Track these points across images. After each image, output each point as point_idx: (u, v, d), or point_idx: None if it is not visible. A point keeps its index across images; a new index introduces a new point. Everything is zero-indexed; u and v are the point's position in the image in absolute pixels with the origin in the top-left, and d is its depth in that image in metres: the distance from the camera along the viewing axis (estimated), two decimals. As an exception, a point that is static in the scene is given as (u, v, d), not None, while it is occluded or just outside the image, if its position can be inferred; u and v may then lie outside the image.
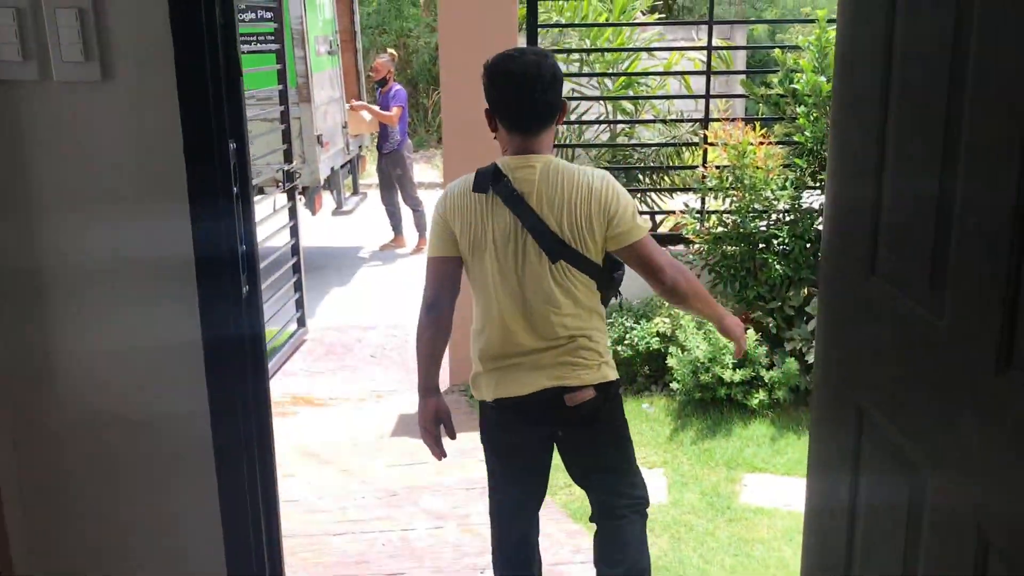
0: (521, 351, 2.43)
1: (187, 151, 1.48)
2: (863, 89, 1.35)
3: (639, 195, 5.78)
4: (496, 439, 2.63)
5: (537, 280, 2.36)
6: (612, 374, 2.54)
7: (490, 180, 2.34)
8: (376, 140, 8.78)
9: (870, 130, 1.31)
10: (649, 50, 5.62)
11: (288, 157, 6.10)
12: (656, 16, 6.59)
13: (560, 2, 5.89)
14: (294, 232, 6.23)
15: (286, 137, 6.07)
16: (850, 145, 1.42)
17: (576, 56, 5.86)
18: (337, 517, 4.02)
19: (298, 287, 6.33)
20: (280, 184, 6.20)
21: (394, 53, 8.84)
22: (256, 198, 7.32)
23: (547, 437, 2.61)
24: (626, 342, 4.90)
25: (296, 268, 6.29)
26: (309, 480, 4.35)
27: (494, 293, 2.41)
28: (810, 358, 4.59)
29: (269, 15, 5.87)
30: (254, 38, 7.07)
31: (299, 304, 6.38)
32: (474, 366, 2.56)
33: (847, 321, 1.45)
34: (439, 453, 2.56)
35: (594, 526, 2.70)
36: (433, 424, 2.52)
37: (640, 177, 5.72)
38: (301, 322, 6.44)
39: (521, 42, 5.01)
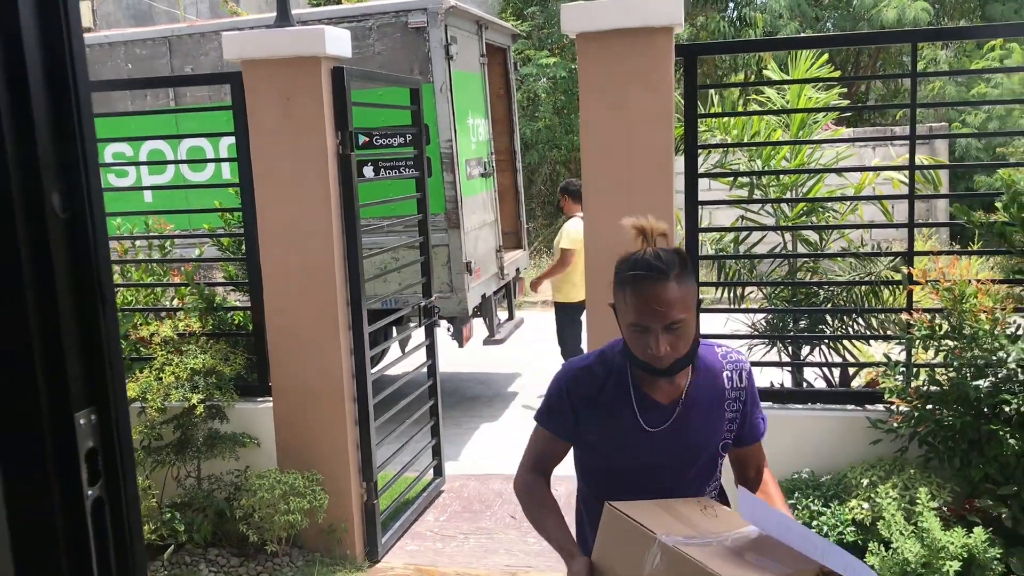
0: None
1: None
2: None
3: (827, 342, 4.83)
4: None
5: None
6: None
7: None
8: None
9: None
10: (836, 171, 4.74)
11: (427, 291, 5.58)
12: (844, 130, 5.69)
13: (725, 119, 5.13)
14: (432, 372, 5.67)
15: (425, 269, 5.57)
16: None
17: (746, 180, 5.06)
18: None
19: (435, 432, 5.73)
20: (419, 319, 5.69)
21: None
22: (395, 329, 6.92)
23: None
24: (813, 530, 3.92)
25: (434, 411, 5.71)
26: None
27: None
28: (1062, 566, 3.48)
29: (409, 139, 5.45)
30: (402, 163, 6.73)
31: (436, 451, 5.77)
32: None
33: None
34: None
35: None
36: None
37: (828, 320, 4.76)
38: (438, 471, 5.81)
39: (679, 165, 4.29)
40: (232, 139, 4.88)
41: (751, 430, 2.32)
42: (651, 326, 2.02)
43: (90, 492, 0.91)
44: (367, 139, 6.24)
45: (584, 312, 7.46)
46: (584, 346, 7.67)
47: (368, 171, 5.37)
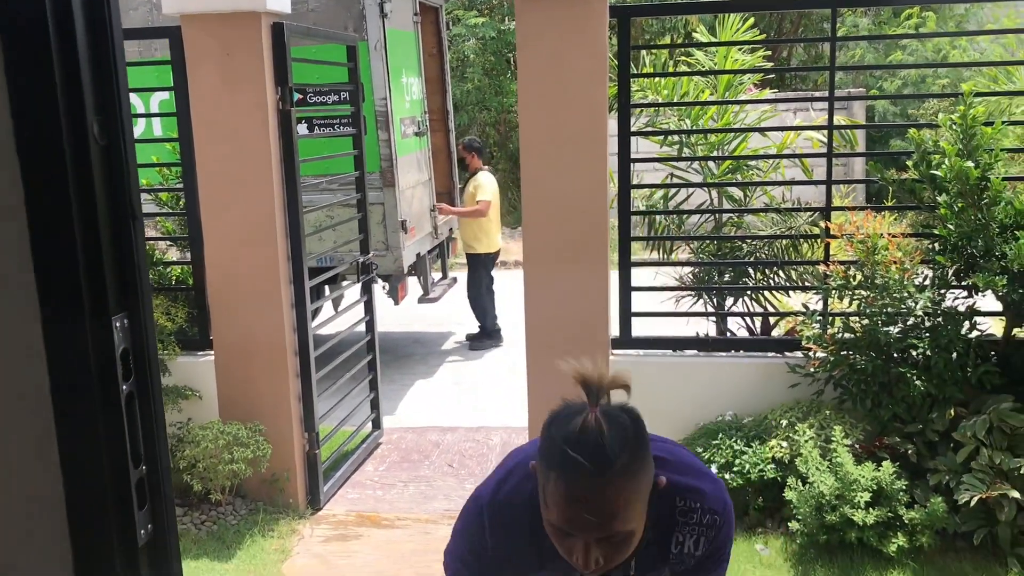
0: None
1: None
2: None
3: (749, 294, 5.09)
4: None
5: None
6: None
7: None
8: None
9: None
10: (760, 130, 4.97)
11: (364, 248, 5.67)
12: (768, 91, 5.94)
13: (656, 79, 5.31)
14: (370, 327, 5.78)
15: (362, 226, 5.65)
16: None
17: (676, 139, 5.27)
18: None
19: (373, 386, 5.85)
20: (356, 276, 5.77)
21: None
22: (335, 286, 6.99)
23: None
24: (735, 468, 4.19)
25: (372, 366, 5.82)
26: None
27: None
28: (959, 495, 3.80)
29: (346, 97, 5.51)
30: (337, 121, 6.77)
31: (374, 404, 5.89)
32: None
33: None
34: None
35: None
36: None
37: (750, 273, 5.02)
38: (376, 424, 5.95)
39: (612, 125, 4.46)
40: (164, 95, 4.88)
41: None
42: (578, 536, 1.46)
43: (124, 387, 1.04)
44: (301, 96, 6.26)
45: (495, 261, 8.12)
46: (494, 300, 8.10)
47: (303, 128, 5.42)
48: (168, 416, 4.78)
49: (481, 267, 8.08)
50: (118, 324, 1.03)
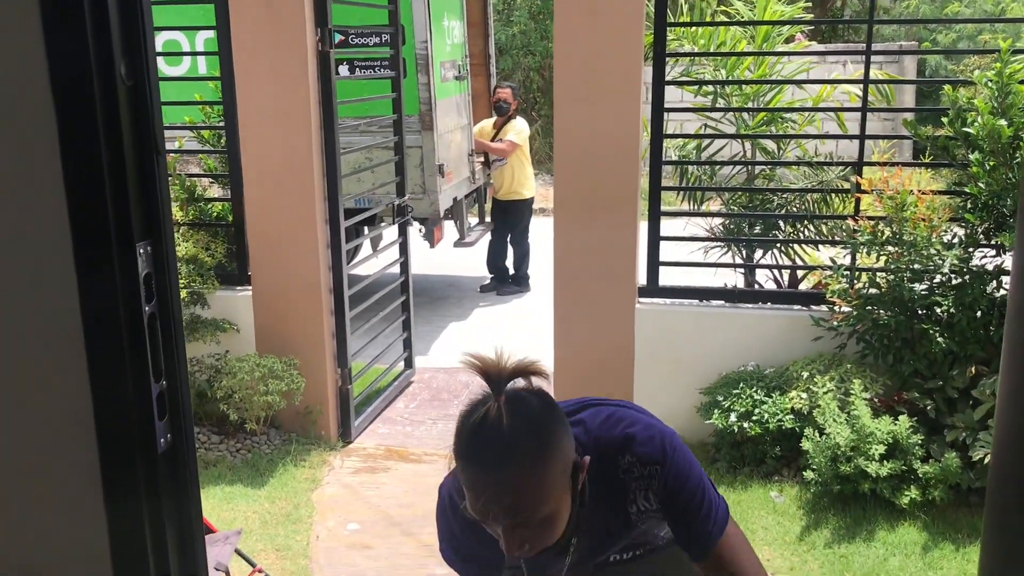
0: None
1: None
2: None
3: (778, 247, 5.12)
4: None
5: None
6: None
7: None
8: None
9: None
10: (796, 82, 4.95)
11: (400, 190, 5.77)
12: (806, 43, 5.88)
13: (693, 28, 5.29)
14: (404, 268, 5.89)
15: (399, 169, 5.74)
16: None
17: (710, 89, 5.26)
18: (408, 605, 3.59)
19: (406, 326, 5.99)
20: (392, 218, 5.88)
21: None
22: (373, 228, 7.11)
23: None
24: (754, 417, 4.27)
25: (405, 306, 5.95)
26: (387, 556, 3.94)
27: None
28: (975, 452, 3.85)
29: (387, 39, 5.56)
30: (377, 63, 6.83)
31: (407, 344, 6.03)
32: None
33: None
34: None
35: None
36: None
37: (780, 226, 5.04)
38: (408, 363, 6.10)
39: (647, 74, 4.47)
40: (209, 33, 4.97)
41: (697, 541, 1.65)
42: (493, 524, 1.47)
43: (146, 308, 1.14)
44: (342, 37, 6.31)
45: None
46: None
47: (344, 70, 5.49)
48: (206, 348, 4.96)
49: (528, 211, 8.20)
50: (142, 251, 1.13)
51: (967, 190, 4.14)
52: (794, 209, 5.04)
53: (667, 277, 4.82)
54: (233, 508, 4.29)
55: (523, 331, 7.18)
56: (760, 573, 1.62)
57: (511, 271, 8.36)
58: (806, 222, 4.97)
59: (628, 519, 1.65)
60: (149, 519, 1.21)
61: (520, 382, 1.51)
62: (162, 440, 1.21)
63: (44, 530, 1.23)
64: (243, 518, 4.19)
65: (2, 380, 1.17)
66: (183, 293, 4.68)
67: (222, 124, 5.07)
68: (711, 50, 5.20)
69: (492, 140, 8.04)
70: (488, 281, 8.42)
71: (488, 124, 8.14)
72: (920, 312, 4.19)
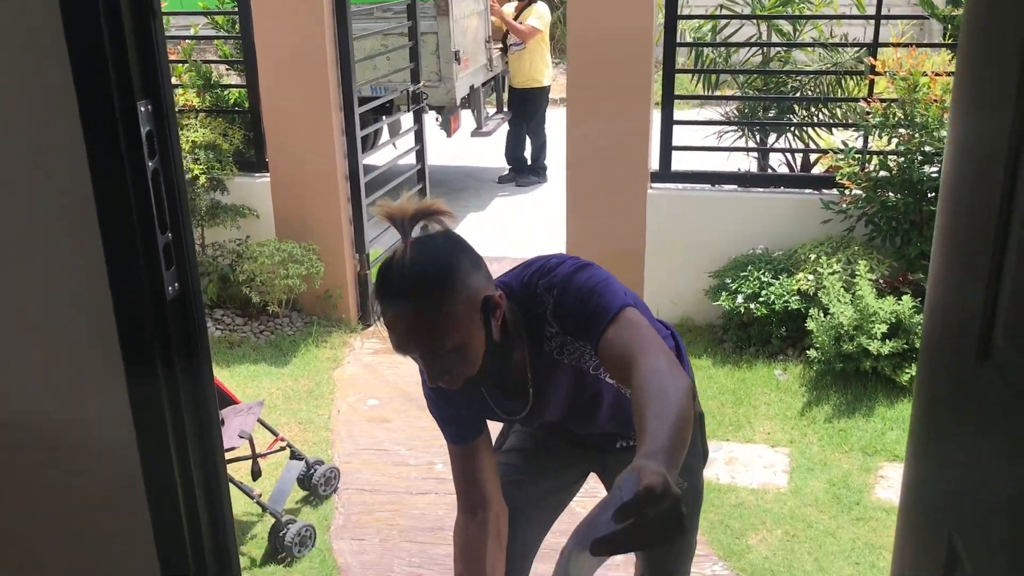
0: None
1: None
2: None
3: (792, 130, 5.11)
4: None
5: None
6: None
7: None
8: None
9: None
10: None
11: (415, 77, 5.76)
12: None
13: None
14: (420, 156, 5.94)
15: (413, 55, 5.72)
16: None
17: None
18: (423, 473, 3.78)
19: (423, 214, 6.06)
20: (407, 105, 5.90)
21: None
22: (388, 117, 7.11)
23: None
24: (761, 299, 4.36)
25: (422, 194, 6.02)
26: (403, 428, 4.13)
27: None
28: (978, 331, 3.92)
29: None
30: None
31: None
32: None
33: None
34: None
35: None
36: None
37: (795, 108, 5.02)
38: (426, 250, 6.19)
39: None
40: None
41: (584, 325, 1.63)
42: (412, 357, 1.59)
43: (150, 164, 1.23)
44: (357, -79, 6.20)
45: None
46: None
47: (357, -46, 5.44)
48: (227, 233, 5.08)
49: (545, 100, 8.09)
50: (143, 109, 1.21)
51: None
52: (808, 92, 5.00)
53: (680, 162, 4.84)
54: (257, 385, 4.48)
55: (542, 221, 7.24)
56: (648, 347, 1.49)
57: (529, 162, 8.34)
58: (820, 105, 4.94)
59: (542, 340, 1.71)
60: (161, 361, 1.33)
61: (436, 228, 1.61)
62: (170, 288, 1.31)
63: (63, 376, 1.35)
64: (267, 394, 4.37)
65: (18, 239, 1.27)
66: (202, 179, 4.78)
67: (235, 9, 5.07)
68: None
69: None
70: (507, 172, 8.42)
71: (509, 8, 7.97)
72: (929, 195, 4.21)
